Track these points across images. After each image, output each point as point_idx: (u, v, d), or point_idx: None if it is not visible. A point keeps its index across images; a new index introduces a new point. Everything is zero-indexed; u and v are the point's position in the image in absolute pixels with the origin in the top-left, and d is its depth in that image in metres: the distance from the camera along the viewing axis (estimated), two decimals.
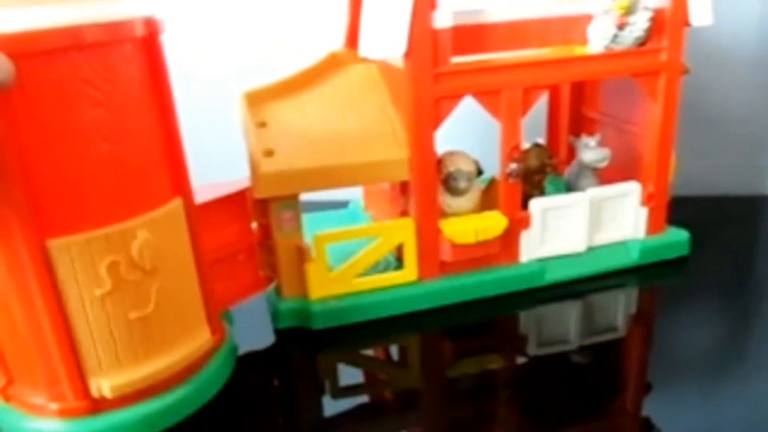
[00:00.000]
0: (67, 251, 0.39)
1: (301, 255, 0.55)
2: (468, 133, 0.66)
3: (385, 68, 0.59)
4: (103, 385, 0.42)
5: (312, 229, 0.56)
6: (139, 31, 0.40)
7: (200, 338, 0.47)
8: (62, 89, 0.37)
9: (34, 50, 0.36)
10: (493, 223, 0.57)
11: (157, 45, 0.42)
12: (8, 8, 0.35)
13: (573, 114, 0.73)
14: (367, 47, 0.52)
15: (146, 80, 0.42)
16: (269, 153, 0.53)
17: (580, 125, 0.73)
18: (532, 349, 0.54)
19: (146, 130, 0.42)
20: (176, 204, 0.45)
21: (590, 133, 0.64)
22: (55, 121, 0.38)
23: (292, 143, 0.54)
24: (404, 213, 0.59)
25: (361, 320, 0.57)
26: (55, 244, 0.39)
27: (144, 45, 0.41)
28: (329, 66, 0.60)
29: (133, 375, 0.43)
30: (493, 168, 0.59)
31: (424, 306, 0.58)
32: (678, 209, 0.66)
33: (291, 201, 0.54)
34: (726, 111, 0.82)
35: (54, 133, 0.38)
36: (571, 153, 0.68)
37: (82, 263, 0.40)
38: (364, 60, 0.59)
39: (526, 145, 0.61)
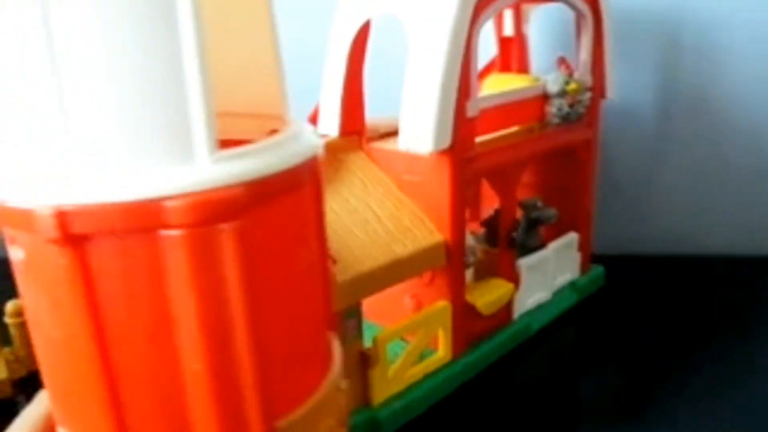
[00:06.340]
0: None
1: (365, 361, 0.52)
2: None
3: (383, 154, 0.59)
4: None
5: None
6: None
7: None
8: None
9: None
10: (505, 289, 0.61)
11: None
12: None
13: None
14: (409, 142, 0.52)
15: None
16: (332, 261, 0.49)
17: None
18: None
19: None
20: None
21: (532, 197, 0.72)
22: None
23: (344, 246, 0.51)
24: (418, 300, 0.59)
25: (420, 413, 0.55)
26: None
27: None
28: (330, 158, 0.57)
29: None
30: None
31: (462, 380, 0.59)
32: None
33: (355, 308, 0.51)
34: None
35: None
36: None
37: None
38: (356, 149, 0.59)
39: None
